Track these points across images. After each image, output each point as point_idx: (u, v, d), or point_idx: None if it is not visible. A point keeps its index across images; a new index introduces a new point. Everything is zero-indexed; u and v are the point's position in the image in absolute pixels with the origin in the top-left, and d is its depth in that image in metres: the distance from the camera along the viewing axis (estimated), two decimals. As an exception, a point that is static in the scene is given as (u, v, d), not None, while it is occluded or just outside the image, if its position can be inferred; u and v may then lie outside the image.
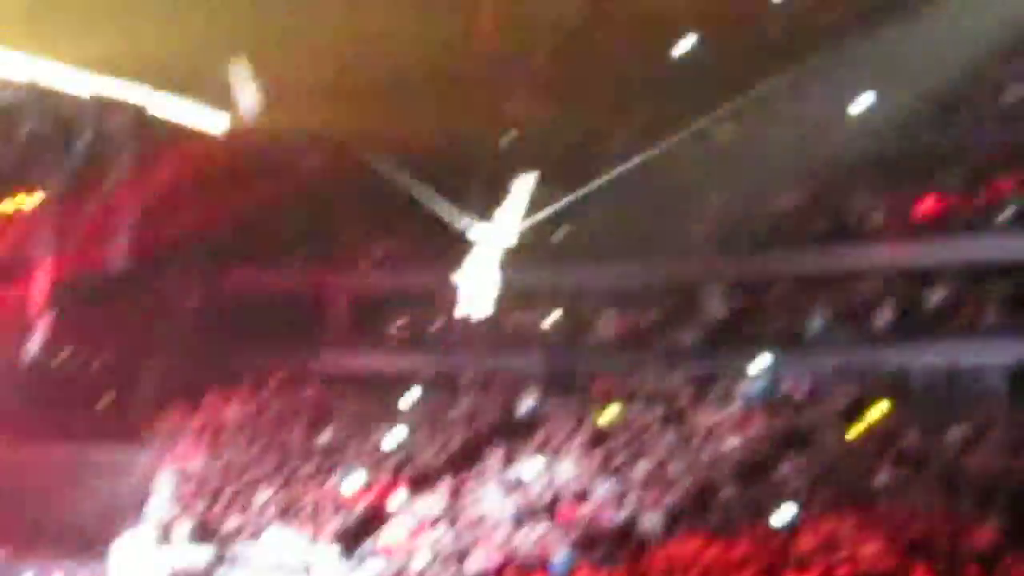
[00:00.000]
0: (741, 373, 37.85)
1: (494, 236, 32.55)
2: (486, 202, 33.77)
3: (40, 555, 38.09)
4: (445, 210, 33.30)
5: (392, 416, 41.62)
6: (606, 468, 35.98)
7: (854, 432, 33.87)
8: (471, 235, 32.69)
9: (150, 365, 44.13)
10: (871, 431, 33.84)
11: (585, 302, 42.45)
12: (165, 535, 38.98)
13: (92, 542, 39.48)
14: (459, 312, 33.21)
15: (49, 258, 40.09)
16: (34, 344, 42.19)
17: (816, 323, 38.43)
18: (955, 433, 32.34)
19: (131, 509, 41.15)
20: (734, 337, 39.32)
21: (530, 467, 37.00)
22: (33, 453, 41.88)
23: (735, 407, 37.07)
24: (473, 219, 32.73)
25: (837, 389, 36.05)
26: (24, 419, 41.72)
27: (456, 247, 33.05)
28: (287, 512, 38.93)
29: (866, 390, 35.30)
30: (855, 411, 34.65)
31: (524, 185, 33.05)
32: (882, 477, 31.53)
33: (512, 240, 32.73)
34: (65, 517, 40.60)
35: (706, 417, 37.01)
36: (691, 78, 39.27)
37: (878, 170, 38.89)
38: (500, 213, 33.02)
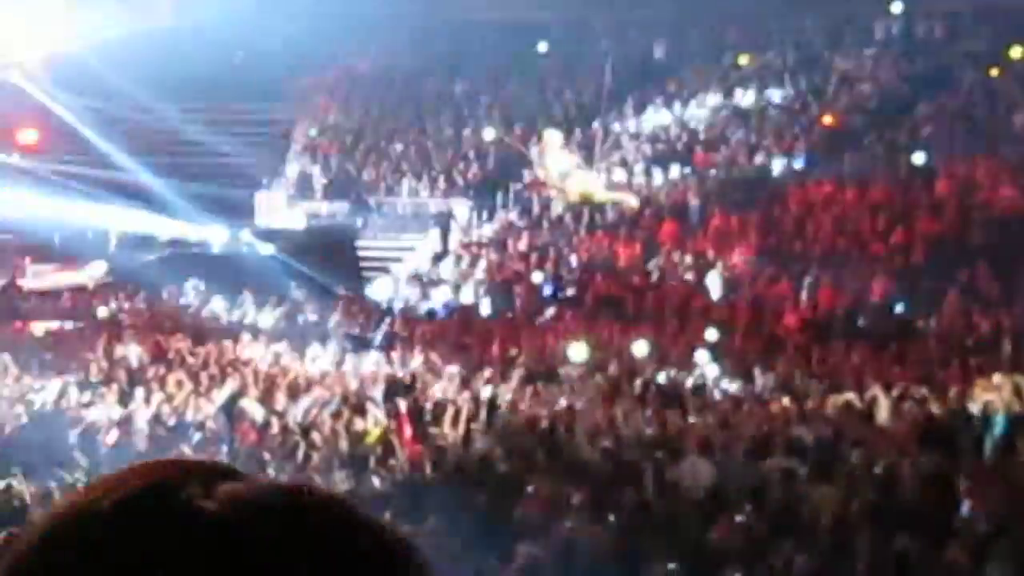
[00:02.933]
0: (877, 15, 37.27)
1: None
2: None
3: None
4: None
5: (524, 65, 41.52)
6: (740, 115, 35.89)
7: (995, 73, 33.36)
8: None
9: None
10: (1009, 72, 33.35)
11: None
12: (303, 187, 39.63)
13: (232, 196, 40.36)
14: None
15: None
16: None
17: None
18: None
19: (271, 162, 41.83)
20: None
21: (664, 114, 36.97)
22: (172, 108, 42.43)
23: (870, 52, 36.64)
24: None
25: (975, 30, 35.42)
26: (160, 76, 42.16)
27: None
28: (422, 163, 39.33)
29: (1003, 32, 34.63)
30: (994, 52, 34.08)
31: None
32: (1020, 119, 31.22)
33: None
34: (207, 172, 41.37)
35: (841, 61, 36.65)
36: None
37: None
38: None
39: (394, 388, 20.76)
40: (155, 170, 38.72)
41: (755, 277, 27.60)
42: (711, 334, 23.50)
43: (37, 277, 35.91)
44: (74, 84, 39.71)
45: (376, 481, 15.41)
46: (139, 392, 20.10)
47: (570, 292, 29.92)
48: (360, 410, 18.70)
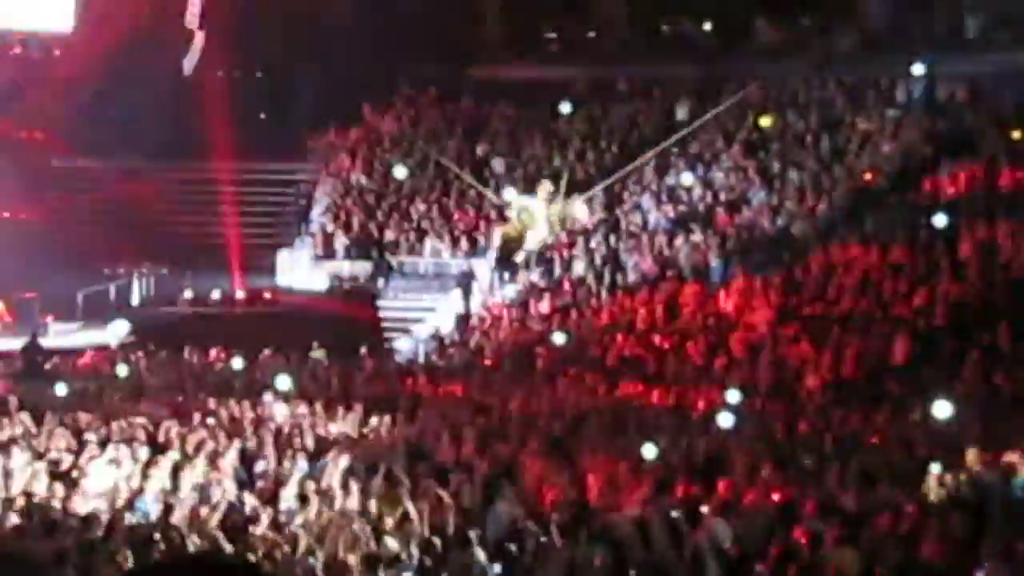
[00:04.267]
0: (899, 77, 37.29)
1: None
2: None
3: (201, 266, 38.99)
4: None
5: (547, 126, 41.55)
6: (762, 176, 35.90)
7: (1017, 136, 33.29)
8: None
9: (308, 80, 44.29)
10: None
11: (739, 7, 41.80)
12: (326, 247, 39.73)
13: (255, 255, 40.50)
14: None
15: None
16: (192, 58, 42.60)
17: (977, 23, 37.66)
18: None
19: (292, 222, 41.98)
20: (892, 41, 38.63)
21: (687, 176, 36.97)
22: (189, 169, 42.72)
23: (893, 113, 36.65)
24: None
25: (998, 93, 35.39)
26: (184, 136, 42.42)
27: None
28: (444, 224, 39.38)
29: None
30: (1017, 115, 34.06)
31: None
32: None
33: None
34: (226, 231, 41.55)
35: (863, 123, 36.66)
36: None
37: None
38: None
39: (414, 450, 20.76)
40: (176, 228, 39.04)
41: (776, 338, 27.54)
42: (733, 395, 23.42)
43: (60, 336, 36.02)
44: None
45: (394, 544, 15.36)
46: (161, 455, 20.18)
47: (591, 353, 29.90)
48: (377, 471, 18.65)
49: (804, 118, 37.64)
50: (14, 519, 16.34)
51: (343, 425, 23.77)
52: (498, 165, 40.50)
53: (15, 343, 33.75)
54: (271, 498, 18.22)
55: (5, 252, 38.20)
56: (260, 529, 16.26)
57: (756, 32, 41.54)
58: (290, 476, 18.94)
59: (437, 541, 15.31)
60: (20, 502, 17.39)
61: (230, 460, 19.94)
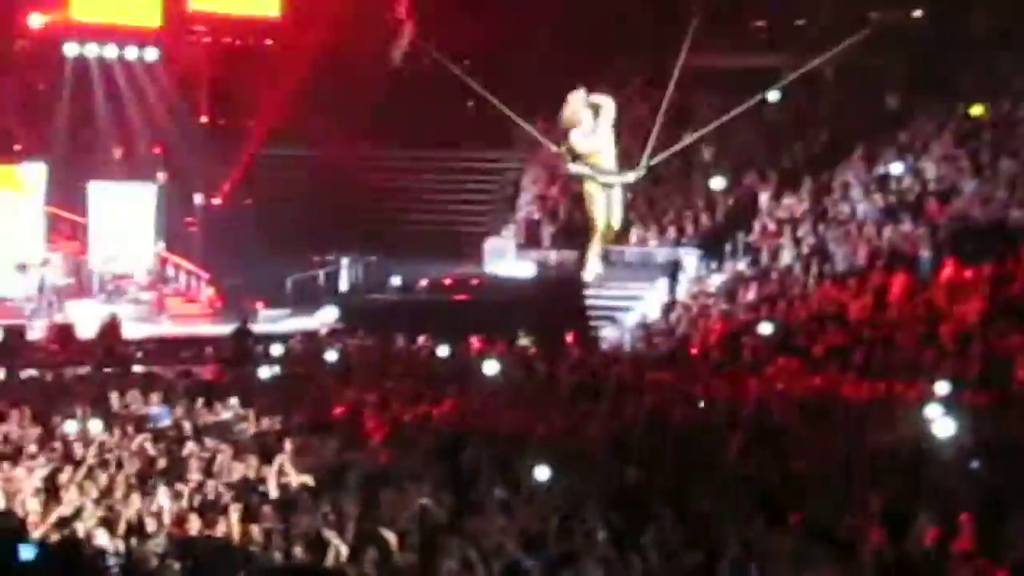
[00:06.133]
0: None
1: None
2: None
3: (409, 253, 39.39)
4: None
5: (755, 115, 41.19)
6: (974, 165, 35.19)
7: None
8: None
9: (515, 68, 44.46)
10: None
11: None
12: (532, 235, 39.91)
13: (462, 242, 40.86)
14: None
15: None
16: (400, 48, 42.98)
17: None
18: None
19: (500, 210, 42.25)
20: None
21: (896, 165, 36.41)
22: (398, 157, 43.23)
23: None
24: None
25: None
26: (393, 122, 42.95)
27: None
28: (652, 210, 39.30)
29: None
30: None
31: None
32: None
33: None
34: (436, 218, 42.00)
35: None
36: None
37: None
38: None
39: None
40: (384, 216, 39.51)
41: (987, 330, 27.00)
42: (942, 387, 22.99)
43: (269, 321, 36.69)
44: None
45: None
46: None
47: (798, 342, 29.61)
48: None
49: (1017, 106, 36.81)
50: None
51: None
52: (706, 154, 40.30)
53: (225, 328, 34.48)
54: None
55: (216, 239, 39.10)
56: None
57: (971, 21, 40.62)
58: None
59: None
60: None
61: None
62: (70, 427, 21.19)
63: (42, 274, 37.55)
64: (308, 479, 17.71)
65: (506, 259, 39.75)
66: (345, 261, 40.21)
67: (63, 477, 17.70)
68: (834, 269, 33.40)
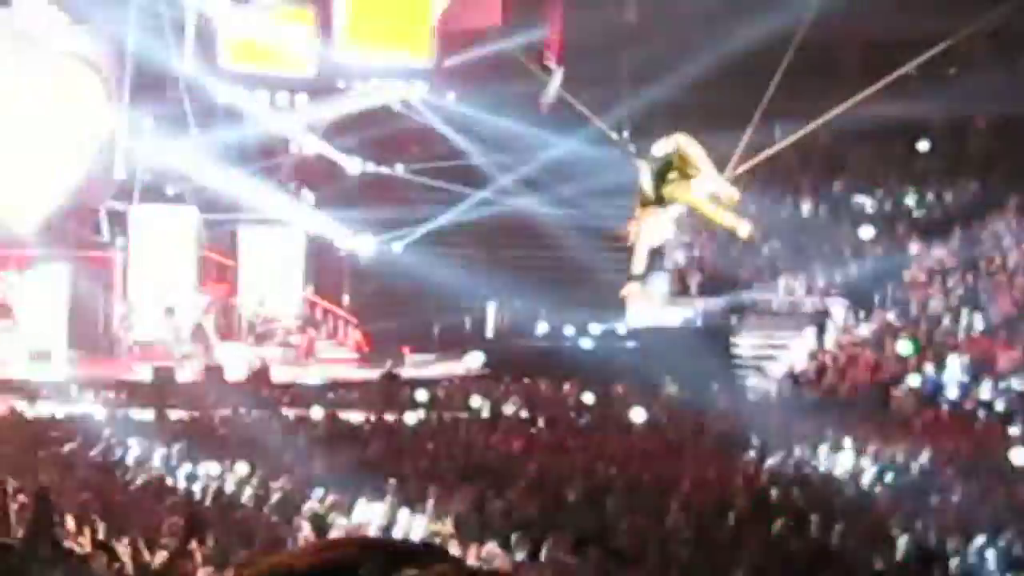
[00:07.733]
0: None
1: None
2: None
3: (556, 300, 39.31)
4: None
5: (902, 164, 40.85)
6: None
7: None
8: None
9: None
10: None
11: None
12: (680, 284, 39.77)
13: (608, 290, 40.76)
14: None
15: None
16: (551, 93, 43.01)
17: None
18: None
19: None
20: None
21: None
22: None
23: None
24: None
25: None
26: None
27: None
28: (799, 258, 39.04)
29: None
30: None
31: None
32: None
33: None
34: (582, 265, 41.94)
35: None
36: None
37: None
38: None
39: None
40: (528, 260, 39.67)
41: None
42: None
43: (416, 366, 36.91)
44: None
45: None
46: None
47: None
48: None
49: None
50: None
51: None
52: (864, 204, 40.02)
53: (373, 373, 34.75)
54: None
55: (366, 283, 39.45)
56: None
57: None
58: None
59: None
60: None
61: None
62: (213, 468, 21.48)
63: (194, 317, 38.11)
64: (448, 527, 17.78)
65: (652, 308, 39.59)
66: (491, 307, 40.35)
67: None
68: (985, 321, 32.92)
